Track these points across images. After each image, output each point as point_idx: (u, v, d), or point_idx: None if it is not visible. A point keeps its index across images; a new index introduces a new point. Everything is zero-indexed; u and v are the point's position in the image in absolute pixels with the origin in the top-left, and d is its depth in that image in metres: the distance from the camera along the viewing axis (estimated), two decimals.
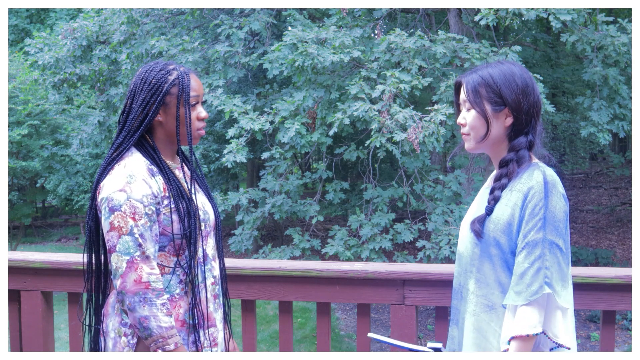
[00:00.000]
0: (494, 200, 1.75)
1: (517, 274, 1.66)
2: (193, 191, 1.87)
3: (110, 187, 1.74)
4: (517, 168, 1.74)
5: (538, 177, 1.68)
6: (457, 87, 1.85)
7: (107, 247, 1.74)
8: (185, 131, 1.83)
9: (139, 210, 1.72)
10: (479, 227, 1.75)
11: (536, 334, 1.62)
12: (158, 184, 1.79)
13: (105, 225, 1.74)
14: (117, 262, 1.71)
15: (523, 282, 1.63)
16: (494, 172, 1.89)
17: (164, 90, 1.81)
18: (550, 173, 1.70)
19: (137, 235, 1.71)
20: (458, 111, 1.86)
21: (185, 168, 1.94)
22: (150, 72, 1.83)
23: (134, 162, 1.79)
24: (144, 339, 1.73)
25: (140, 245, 1.71)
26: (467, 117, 1.79)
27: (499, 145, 1.80)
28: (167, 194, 1.80)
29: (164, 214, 1.79)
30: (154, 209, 1.76)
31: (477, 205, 1.86)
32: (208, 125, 11.41)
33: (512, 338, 1.63)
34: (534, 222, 1.65)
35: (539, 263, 1.63)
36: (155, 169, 1.81)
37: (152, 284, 1.71)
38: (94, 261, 1.89)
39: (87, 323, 1.92)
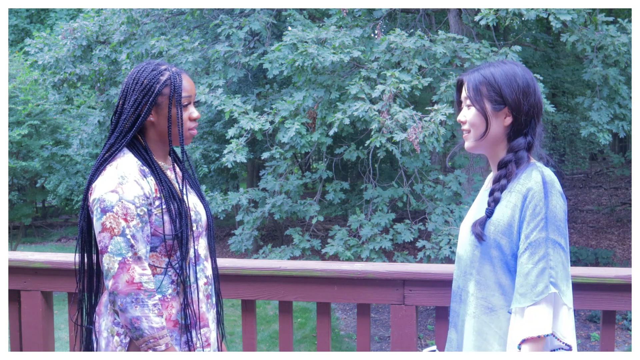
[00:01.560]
0: (494, 202, 1.74)
1: (521, 275, 1.65)
2: (185, 192, 1.87)
3: (102, 188, 1.74)
4: (516, 169, 1.74)
5: (537, 177, 1.68)
6: (459, 85, 1.85)
7: (99, 248, 1.74)
8: (177, 131, 1.84)
9: (131, 211, 1.72)
10: (480, 229, 1.75)
11: (548, 335, 1.61)
12: (150, 184, 1.79)
13: (97, 226, 1.74)
14: (109, 262, 1.71)
15: (528, 283, 1.63)
16: (492, 174, 1.89)
17: (156, 90, 1.81)
18: (548, 173, 1.70)
19: (129, 236, 1.71)
20: (459, 109, 1.87)
21: (177, 169, 1.95)
22: (142, 72, 1.83)
23: (126, 163, 1.79)
24: (134, 339, 1.73)
25: (132, 246, 1.71)
26: (468, 114, 1.80)
27: (497, 145, 1.79)
28: (158, 195, 1.80)
29: (156, 214, 1.79)
30: (145, 209, 1.76)
31: (477, 208, 1.86)
32: (208, 125, 11.42)
33: (524, 341, 1.62)
34: (535, 222, 1.64)
35: (544, 263, 1.62)
36: (147, 170, 1.82)
37: (144, 285, 1.71)
38: (86, 261, 1.90)
39: (80, 323, 1.92)
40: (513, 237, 1.69)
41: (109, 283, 1.71)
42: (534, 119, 1.76)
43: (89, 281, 1.90)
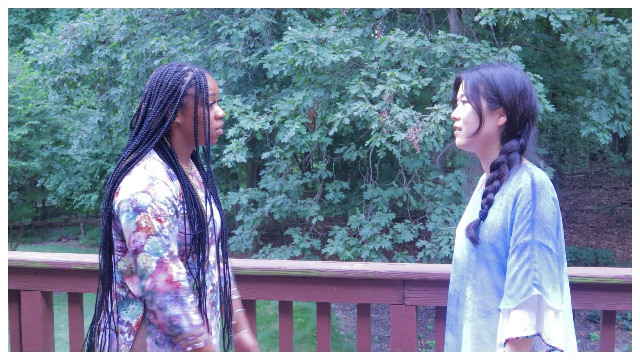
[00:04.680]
0: (487, 204, 1.75)
1: (508, 277, 1.66)
2: (208, 196, 1.87)
3: (133, 188, 1.73)
4: (508, 171, 1.74)
5: (526, 179, 1.68)
6: (457, 83, 1.86)
7: (133, 248, 1.71)
8: (204, 131, 1.83)
9: (164, 211, 1.72)
10: (474, 233, 1.75)
11: (528, 337, 1.61)
12: (176, 187, 1.79)
13: (129, 226, 1.71)
14: (145, 262, 1.70)
15: (514, 285, 1.63)
16: (484, 176, 1.89)
17: (182, 91, 1.80)
18: (539, 174, 1.70)
19: (163, 237, 1.71)
20: (454, 107, 1.88)
21: (198, 174, 1.95)
22: (166, 74, 1.82)
23: (153, 165, 1.78)
24: (173, 337, 1.73)
25: (167, 246, 1.71)
26: (463, 111, 1.81)
27: (489, 145, 1.80)
28: (182, 199, 1.80)
29: (179, 218, 1.79)
30: (174, 211, 1.76)
31: (471, 211, 1.86)
32: None
33: (506, 341, 1.63)
34: (522, 224, 1.65)
35: (528, 265, 1.62)
36: (172, 173, 1.81)
37: (182, 283, 1.71)
38: (107, 260, 1.88)
39: (93, 321, 1.91)
40: (507, 239, 1.69)
41: (145, 283, 1.70)
42: (529, 122, 1.77)
43: (108, 280, 1.88)
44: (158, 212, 1.71)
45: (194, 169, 1.95)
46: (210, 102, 1.85)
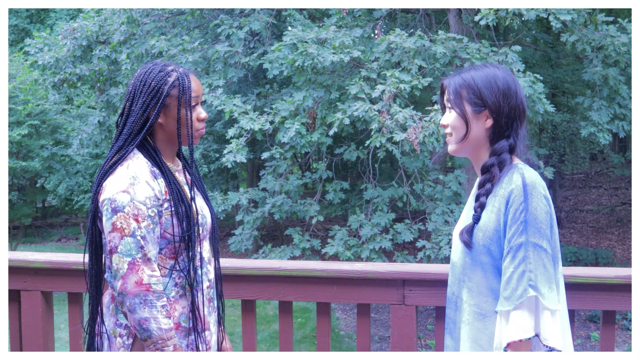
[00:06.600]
0: (480, 207, 1.74)
1: (504, 279, 1.65)
2: (193, 195, 1.87)
3: (113, 188, 1.73)
4: (499, 172, 1.74)
5: (517, 180, 1.67)
6: (443, 89, 1.86)
7: (108, 248, 1.72)
8: (187, 132, 1.83)
9: (142, 212, 1.71)
10: (467, 237, 1.75)
11: (529, 338, 1.61)
12: (160, 186, 1.79)
13: (107, 225, 1.72)
14: (118, 263, 1.70)
15: (510, 287, 1.63)
16: (479, 179, 1.89)
17: (165, 92, 1.80)
18: (530, 174, 1.69)
19: (139, 237, 1.70)
20: (443, 113, 1.87)
21: (186, 171, 1.95)
22: (150, 74, 1.82)
23: (137, 164, 1.78)
24: (142, 340, 1.72)
25: (142, 247, 1.70)
26: (449, 118, 1.80)
27: (480, 148, 1.79)
28: (168, 197, 1.79)
29: (165, 216, 1.79)
30: (156, 211, 1.75)
31: (466, 214, 1.85)
32: (208, 125, 11.43)
33: (508, 345, 1.62)
34: (516, 226, 1.64)
35: (523, 266, 1.62)
36: (157, 171, 1.81)
37: (152, 286, 1.70)
38: (94, 262, 1.88)
39: (87, 324, 1.91)
40: (501, 241, 1.69)
41: (117, 283, 1.70)
42: (516, 121, 1.76)
43: (96, 282, 1.89)
44: (136, 211, 1.71)
45: (181, 166, 1.95)
46: (193, 103, 1.84)
